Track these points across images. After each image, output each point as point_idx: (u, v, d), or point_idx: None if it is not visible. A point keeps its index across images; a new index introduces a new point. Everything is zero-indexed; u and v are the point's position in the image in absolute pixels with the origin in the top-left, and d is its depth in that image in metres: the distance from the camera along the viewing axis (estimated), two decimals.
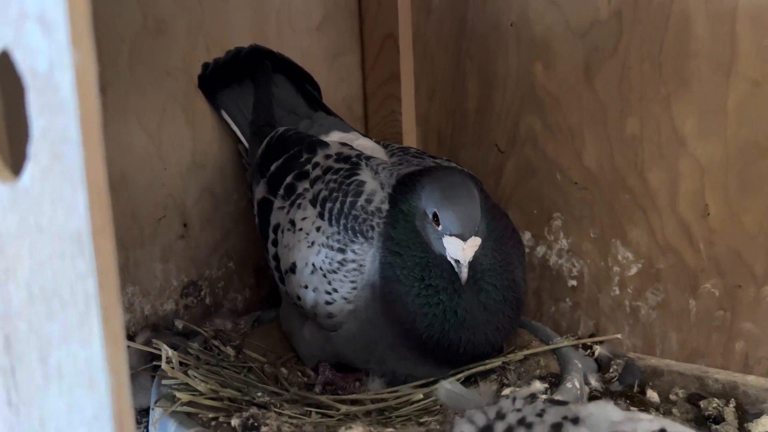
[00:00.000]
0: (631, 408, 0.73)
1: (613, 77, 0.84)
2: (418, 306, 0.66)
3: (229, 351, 0.74)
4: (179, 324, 0.79)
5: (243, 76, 0.87)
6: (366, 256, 0.68)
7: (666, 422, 0.47)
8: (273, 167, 0.77)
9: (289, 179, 0.75)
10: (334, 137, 0.81)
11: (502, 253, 0.69)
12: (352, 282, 0.68)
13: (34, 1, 0.27)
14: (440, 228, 0.65)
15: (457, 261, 0.64)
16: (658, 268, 0.84)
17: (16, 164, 0.34)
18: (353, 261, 0.68)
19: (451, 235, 0.64)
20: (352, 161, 0.74)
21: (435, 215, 0.65)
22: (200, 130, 0.87)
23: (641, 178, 0.84)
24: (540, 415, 0.48)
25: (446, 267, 0.65)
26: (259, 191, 0.79)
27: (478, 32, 0.94)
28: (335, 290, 0.69)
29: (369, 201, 0.70)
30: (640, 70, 0.82)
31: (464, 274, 0.63)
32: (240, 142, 0.87)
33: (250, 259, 0.92)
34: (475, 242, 0.64)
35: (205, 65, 0.85)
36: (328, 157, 0.76)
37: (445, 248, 0.65)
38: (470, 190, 0.67)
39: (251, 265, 0.92)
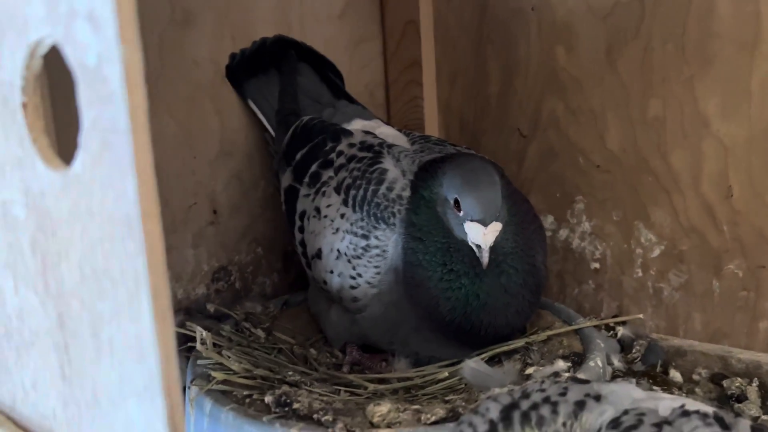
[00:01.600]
0: (654, 388, 0.74)
1: (635, 59, 0.84)
2: (440, 290, 0.68)
3: (260, 333, 0.76)
4: (211, 307, 0.82)
5: (268, 66, 0.89)
6: (389, 241, 0.70)
7: (687, 400, 0.48)
8: (298, 156, 0.79)
9: (314, 167, 0.77)
10: (357, 125, 0.83)
11: (523, 238, 0.70)
12: (376, 267, 0.70)
13: (83, 1, 0.29)
14: (461, 213, 0.66)
15: (478, 246, 0.65)
16: (681, 250, 0.85)
17: (63, 153, 0.36)
18: (376, 247, 0.70)
19: (472, 221, 0.65)
20: (374, 149, 0.75)
21: (456, 201, 0.66)
22: (227, 118, 0.89)
23: (664, 159, 0.84)
24: (563, 393, 0.49)
25: (467, 252, 0.67)
26: (286, 179, 0.81)
27: (500, 16, 0.94)
28: (359, 275, 0.70)
29: (390, 189, 0.71)
30: (663, 52, 0.82)
31: (485, 258, 0.65)
32: (266, 130, 0.89)
33: (278, 244, 0.94)
34: (495, 227, 0.65)
35: (232, 56, 0.87)
36: (351, 145, 0.77)
37: (466, 233, 0.66)
38: (491, 176, 0.68)
39: (279, 250, 0.94)
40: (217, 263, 0.88)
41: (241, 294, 0.89)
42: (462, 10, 0.97)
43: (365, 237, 0.71)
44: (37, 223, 0.36)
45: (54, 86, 0.45)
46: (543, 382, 0.50)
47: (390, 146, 0.77)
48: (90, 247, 0.32)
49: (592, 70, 0.88)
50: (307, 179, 0.78)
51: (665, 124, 0.83)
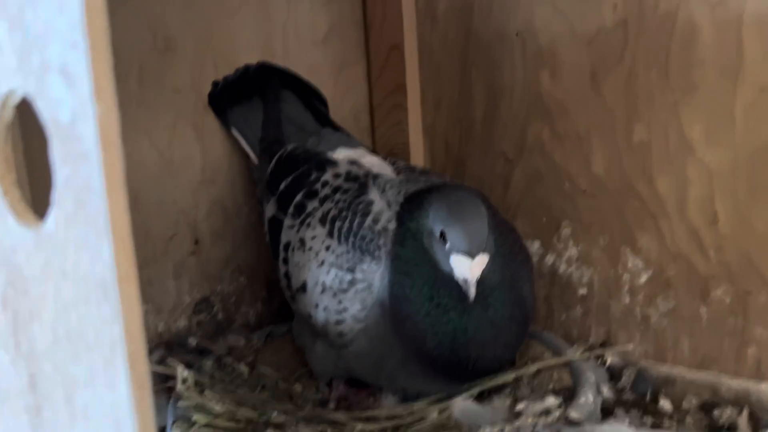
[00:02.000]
0: (644, 419, 0.73)
1: (620, 84, 0.84)
2: (427, 325, 0.66)
3: (243, 368, 0.75)
4: (193, 341, 0.80)
5: (252, 94, 0.88)
6: (375, 275, 0.69)
7: None
8: (282, 185, 0.78)
9: (298, 198, 0.76)
10: (342, 154, 0.82)
11: (510, 269, 0.69)
12: (362, 301, 0.68)
13: (57, 53, 0.28)
14: (447, 246, 0.65)
15: (464, 279, 0.64)
16: (669, 275, 0.84)
17: (37, 208, 0.35)
18: (362, 280, 0.69)
19: (458, 253, 0.64)
20: (360, 180, 0.75)
21: (442, 233, 0.66)
22: (209, 145, 0.87)
23: (650, 184, 0.84)
24: None
25: (454, 285, 0.66)
26: (269, 209, 0.79)
27: (484, 41, 0.94)
28: (345, 309, 0.69)
29: (376, 220, 0.70)
30: (647, 77, 0.82)
31: (472, 292, 0.64)
32: (250, 159, 0.87)
33: (262, 272, 0.92)
34: (482, 260, 0.64)
35: (215, 83, 0.85)
36: (337, 176, 0.76)
37: (452, 267, 0.65)
38: (477, 207, 0.67)
39: (262, 279, 0.93)
40: (199, 294, 0.87)
41: (224, 325, 0.88)
42: (446, 34, 0.97)
43: (351, 270, 0.69)
44: (8, 278, 0.34)
45: (29, 137, 0.43)
46: (536, 424, 0.49)
47: (375, 176, 0.76)
48: (63, 309, 0.31)
49: (576, 94, 0.87)
50: (291, 210, 0.76)
51: (650, 148, 0.83)
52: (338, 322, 0.70)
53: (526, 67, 0.91)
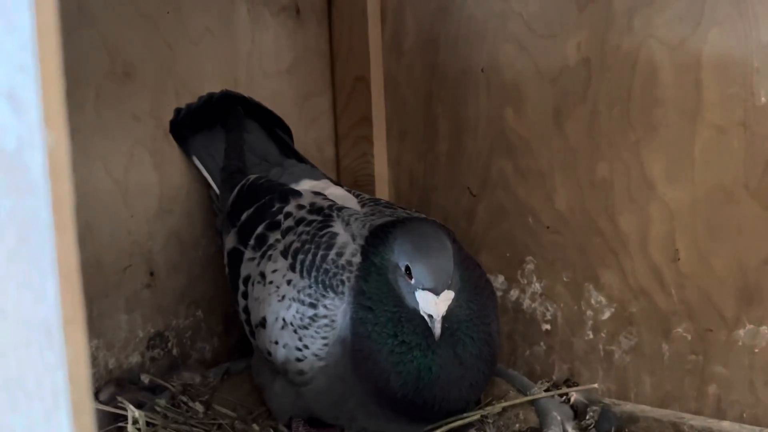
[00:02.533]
0: None
1: (582, 122, 0.85)
2: (391, 364, 0.65)
3: (198, 407, 0.71)
4: (145, 378, 0.76)
5: (214, 122, 0.86)
6: (338, 311, 0.67)
7: None
8: (244, 216, 0.76)
9: (260, 229, 0.74)
10: (306, 185, 0.80)
11: (477, 305, 0.68)
12: (324, 338, 0.66)
13: (3, 77, 0.26)
14: (413, 282, 0.64)
15: (430, 316, 0.63)
16: (631, 312, 0.85)
17: None
18: (325, 316, 0.67)
19: (423, 289, 0.63)
20: (324, 212, 0.73)
21: (407, 268, 0.64)
22: (168, 174, 0.84)
23: (612, 221, 0.85)
24: None
25: (420, 322, 0.64)
26: (230, 241, 0.77)
27: (449, 76, 0.94)
28: (306, 347, 0.67)
29: (340, 254, 0.69)
30: (609, 116, 0.83)
31: (437, 329, 0.62)
32: (211, 188, 0.85)
33: (219, 306, 0.89)
34: (448, 296, 0.63)
35: (177, 110, 0.83)
36: (300, 207, 0.74)
37: (417, 302, 0.64)
38: (443, 242, 0.66)
39: (220, 312, 0.90)
40: (153, 329, 0.83)
41: (179, 361, 0.84)
42: (412, 68, 0.97)
43: (313, 306, 0.67)
44: None
45: None
46: None
47: (340, 209, 0.74)
48: (1, 353, 0.28)
49: (540, 131, 0.88)
50: (252, 242, 0.74)
51: (613, 186, 0.84)
52: (298, 360, 0.67)
53: (491, 102, 0.91)
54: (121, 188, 0.80)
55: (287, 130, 0.91)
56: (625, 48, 0.81)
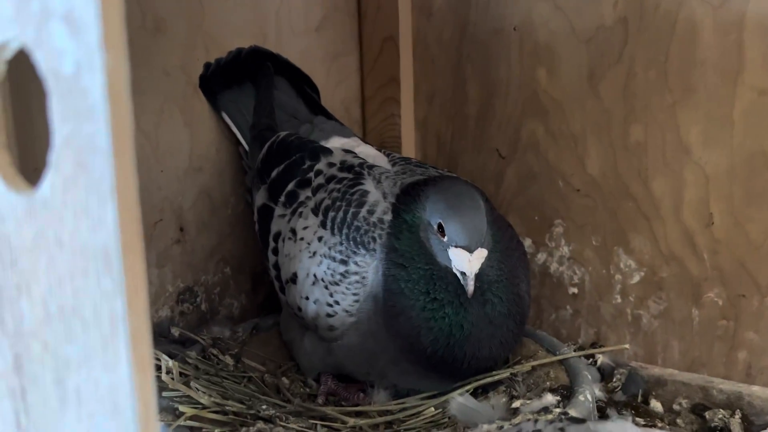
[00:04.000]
0: (637, 420, 0.72)
1: (617, 84, 0.83)
2: (422, 320, 0.65)
3: (228, 360, 0.72)
4: (176, 331, 0.77)
5: (243, 78, 0.85)
6: (369, 268, 0.66)
7: None
8: (274, 173, 0.75)
9: (290, 186, 0.73)
10: (336, 143, 0.80)
11: (508, 265, 0.68)
12: (355, 294, 0.66)
13: None
14: (446, 239, 0.63)
15: (463, 273, 0.62)
16: (661, 277, 0.84)
17: (27, 172, 0.32)
18: (356, 273, 0.67)
19: (456, 247, 0.63)
20: (355, 170, 0.72)
21: (440, 226, 0.64)
22: (198, 132, 0.84)
23: (645, 186, 0.83)
24: None
25: (452, 279, 0.64)
26: (260, 197, 0.77)
27: (480, 36, 0.92)
28: (337, 302, 0.67)
29: (371, 212, 0.68)
30: (646, 77, 0.82)
31: (471, 287, 0.62)
32: (240, 144, 0.85)
33: (247, 264, 0.90)
34: (481, 254, 0.63)
35: (207, 65, 0.83)
36: (331, 165, 0.74)
37: (450, 260, 0.63)
38: (476, 201, 0.66)
39: (248, 271, 0.90)
40: (183, 284, 0.83)
41: (207, 317, 0.85)
42: (442, 28, 0.95)
43: (344, 262, 0.67)
44: None
45: (15, 94, 0.40)
46: (537, 421, 0.47)
47: (371, 167, 0.73)
48: (57, 282, 0.28)
49: (573, 93, 0.86)
50: (282, 198, 0.74)
51: (647, 150, 0.83)
52: (329, 315, 0.67)
53: (523, 63, 0.89)
54: (152, 144, 0.80)
55: (315, 89, 0.90)
56: (665, 7, 0.79)
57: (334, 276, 0.67)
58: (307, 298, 0.69)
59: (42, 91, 0.28)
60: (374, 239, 0.67)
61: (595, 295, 0.88)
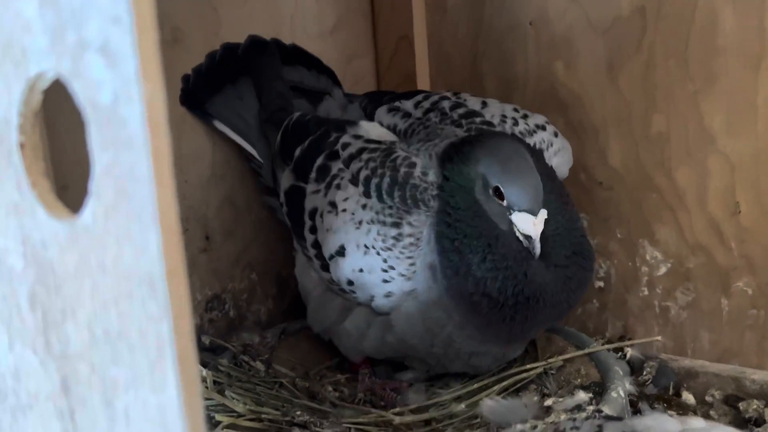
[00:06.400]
0: (669, 412, 0.72)
1: (637, 74, 0.83)
2: (485, 270, 0.63)
3: (259, 366, 0.73)
4: (206, 340, 0.78)
5: (236, 75, 0.82)
6: (423, 228, 0.65)
7: (719, 427, 0.46)
8: (298, 152, 0.73)
9: (320, 161, 0.71)
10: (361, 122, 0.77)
11: (564, 216, 0.67)
12: (410, 258, 0.65)
13: (96, 30, 0.26)
14: (505, 203, 0.63)
15: (527, 237, 0.62)
16: (688, 268, 0.83)
17: (64, 197, 0.33)
18: (410, 235, 0.65)
19: (520, 211, 0.62)
20: (385, 142, 0.71)
21: (497, 190, 0.63)
22: (220, 140, 0.85)
23: (669, 176, 0.83)
24: None
25: (513, 241, 0.63)
26: (286, 180, 0.74)
27: (496, 32, 0.92)
28: (392, 267, 0.65)
29: (425, 173, 0.67)
30: (666, 67, 0.81)
31: (537, 249, 0.62)
32: (243, 148, 0.83)
33: (272, 269, 0.90)
34: (544, 215, 0.63)
35: (186, 77, 0.80)
36: (357, 137, 0.72)
37: (512, 223, 0.63)
38: (528, 160, 0.65)
39: (273, 275, 0.91)
40: (210, 292, 0.85)
41: (236, 323, 0.85)
42: (456, 25, 0.95)
43: (396, 225, 0.65)
44: (37, 275, 0.32)
45: (50, 120, 0.41)
46: (575, 419, 0.48)
47: (400, 141, 0.72)
48: (102, 307, 0.29)
49: (592, 85, 0.86)
50: (313, 174, 0.71)
51: (669, 140, 0.82)
52: (385, 281, 0.66)
53: (540, 57, 0.89)
54: (174, 154, 0.80)
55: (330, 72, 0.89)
56: None
57: (386, 241, 0.65)
58: (360, 270, 0.67)
59: (71, 114, 0.28)
60: (432, 197, 0.65)
61: (621, 288, 0.88)
